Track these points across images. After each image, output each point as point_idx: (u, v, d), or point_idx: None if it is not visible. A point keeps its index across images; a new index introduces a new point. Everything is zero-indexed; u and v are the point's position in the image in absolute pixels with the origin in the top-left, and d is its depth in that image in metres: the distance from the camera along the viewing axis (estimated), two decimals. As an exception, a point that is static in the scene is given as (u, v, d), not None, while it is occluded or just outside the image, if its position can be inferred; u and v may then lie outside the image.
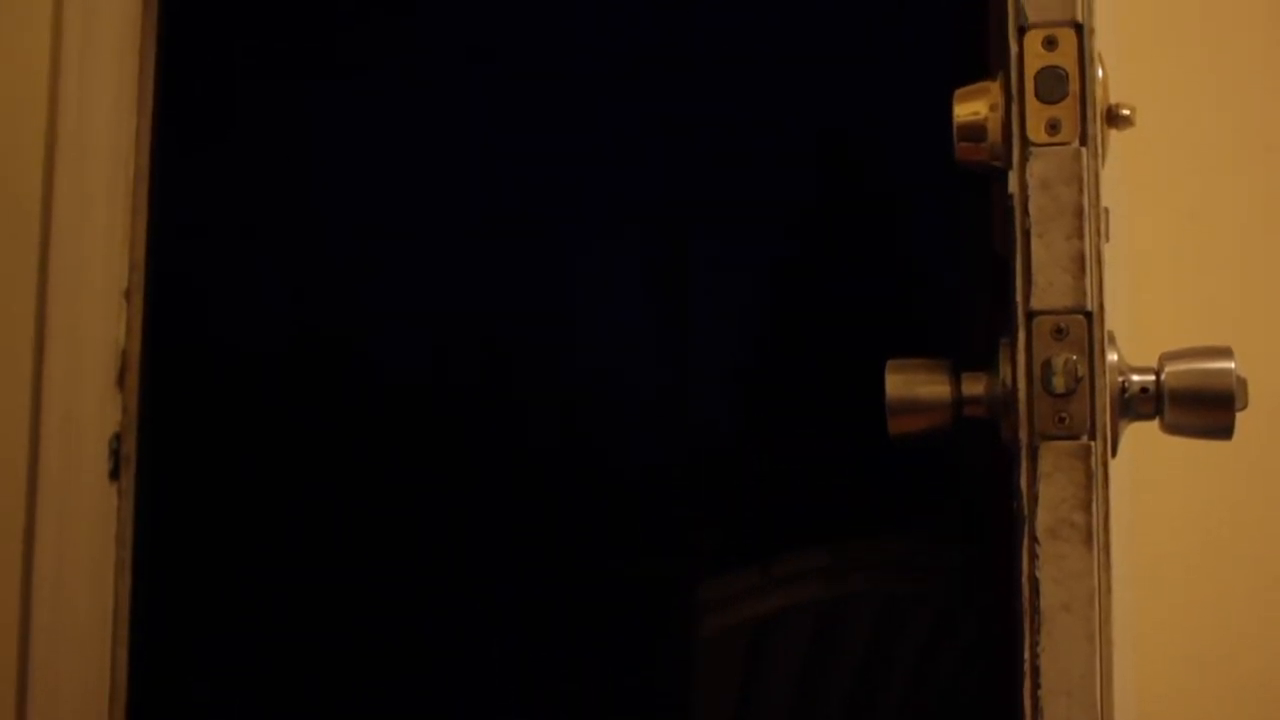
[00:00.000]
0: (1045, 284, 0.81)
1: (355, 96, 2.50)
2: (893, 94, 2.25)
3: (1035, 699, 0.79)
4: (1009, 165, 0.82)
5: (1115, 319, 0.83)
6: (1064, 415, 0.80)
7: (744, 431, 2.49)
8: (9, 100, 1.77)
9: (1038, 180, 0.81)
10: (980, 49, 0.98)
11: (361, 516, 2.37)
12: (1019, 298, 0.81)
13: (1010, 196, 0.82)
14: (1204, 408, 0.83)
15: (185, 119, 2.06)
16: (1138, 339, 1.02)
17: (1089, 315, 0.80)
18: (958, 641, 1.95)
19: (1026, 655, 0.80)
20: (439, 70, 2.53)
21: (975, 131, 0.84)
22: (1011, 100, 0.82)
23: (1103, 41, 0.84)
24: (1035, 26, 0.82)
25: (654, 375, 2.52)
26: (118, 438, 1.76)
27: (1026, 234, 0.81)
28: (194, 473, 2.24)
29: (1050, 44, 0.82)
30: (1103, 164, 0.83)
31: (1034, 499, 0.80)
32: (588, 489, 2.42)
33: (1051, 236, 0.81)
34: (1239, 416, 0.84)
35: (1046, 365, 0.80)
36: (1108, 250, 0.83)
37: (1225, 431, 0.83)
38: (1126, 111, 0.86)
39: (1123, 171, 1.53)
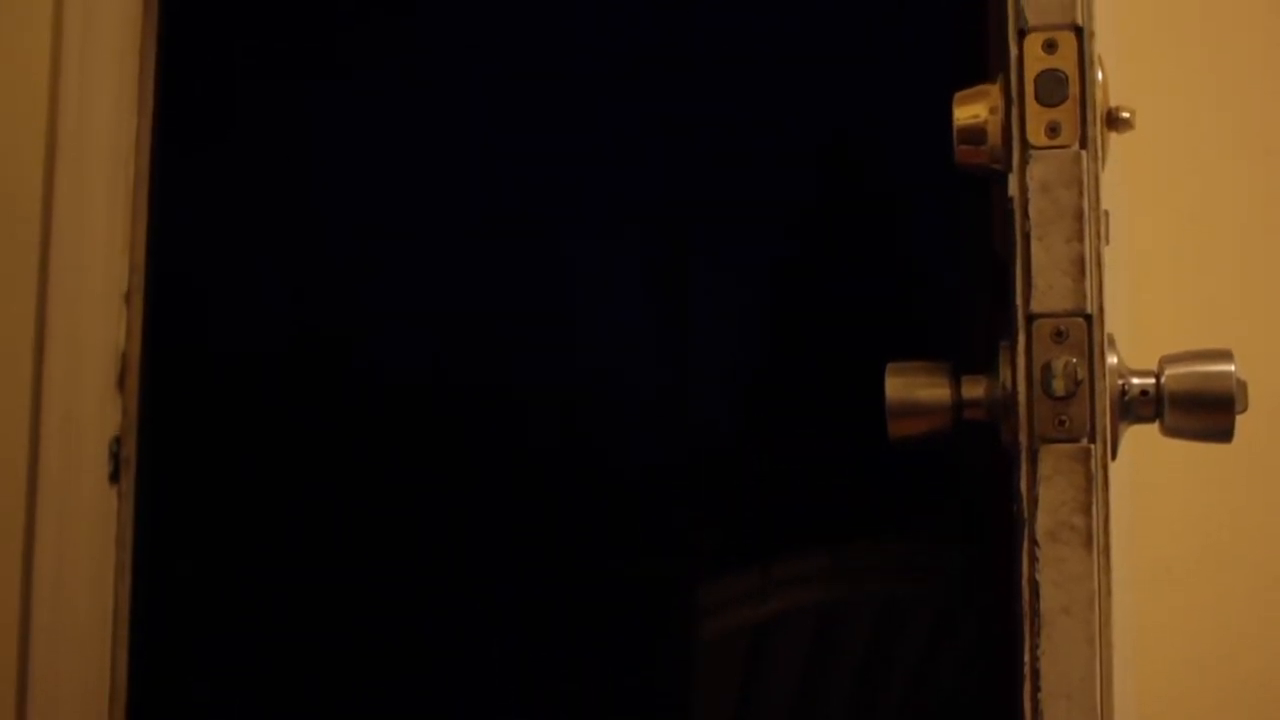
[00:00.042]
0: (1045, 287, 0.81)
1: (355, 96, 2.50)
2: (893, 94, 2.25)
3: (1035, 702, 0.79)
4: (1009, 168, 0.82)
5: (1115, 322, 0.83)
6: (1064, 418, 0.80)
7: (744, 432, 2.49)
8: (9, 101, 1.77)
9: (1038, 183, 0.81)
10: (980, 51, 0.98)
11: (361, 517, 2.37)
12: (1019, 301, 0.81)
13: (1010, 199, 0.82)
14: (1204, 411, 0.83)
15: (185, 119, 2.06)
16: (1138, 341, 1.02)
17: (1089, 318, 0.80)
18: (958, 643, 1.95)
19: (1026, 658, 0.80)
20: (439, 70, 2.53)
21: (975, 134, 0.84)
22: (1011, 103, 0.82)
23: (1102, 44, 0.84)
24: (1035, 29, 0.82)
25: (654, 375, 2.52)
26: (118, 440, 1.76)
27: (1026, 237, 0.81)
28: (194, 475, 2.24)
29: (1050, 47, 0.82)
30: (1103, 167, 0.83)
31: (1034, 502, 0.80)
32: (587, 489, 2.42)
33: (1051, 239, 0.81)
34: (1239, 419, 0.84)
35: (1046, 368, 0.80)
36: (1108, 253, 0.83)
37: (1225, 434, 0.84)
38: (1126, 114, 0.86)
39: (1123, 174, 1.53)
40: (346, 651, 2.34)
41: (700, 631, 2.06)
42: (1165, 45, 1.65)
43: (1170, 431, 0.84)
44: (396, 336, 2.47)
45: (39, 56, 1.77)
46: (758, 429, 2.48)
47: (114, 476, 1.76)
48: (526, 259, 2.53)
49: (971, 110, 0.85)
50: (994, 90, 0.84)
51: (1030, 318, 0.81)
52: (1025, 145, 0.82)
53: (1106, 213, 0.83)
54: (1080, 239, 0.81)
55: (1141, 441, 0.90)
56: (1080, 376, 0.80)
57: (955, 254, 2.03)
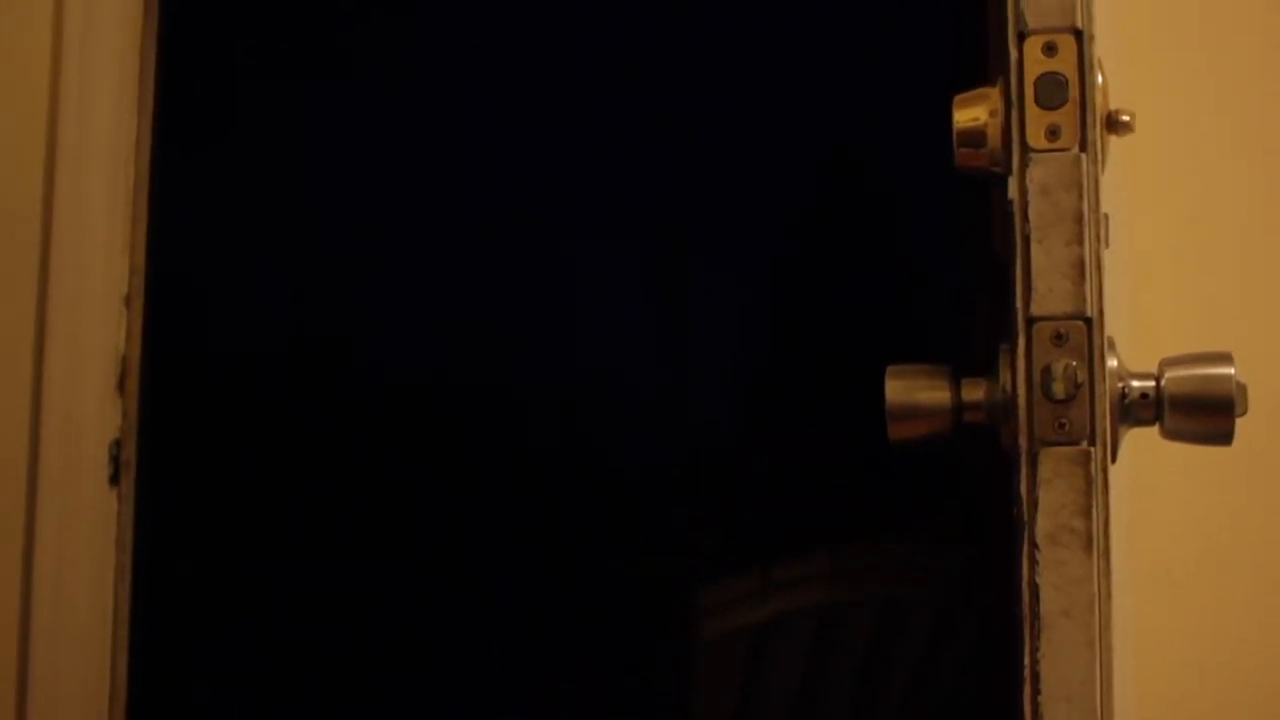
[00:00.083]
0: (1045, 290, 0.81)
1: (355, 96, 2.50)
2: (893, 94, 2.25)
3: (1035, 705, 0.79)
4: (1009, 171, 0.82)
5: (1115, 324, 0.83)
6: (1064, 421, 0.80)
7: (744, 432, 2.49)
8: (9, 102, 1.77)
9: (1038, 186, 0.81)
10: (980, 54, 0.98)
11: (361, 518, 2.37)
12: (1019, 304, 0.81)
13: (1010, 202, 0.82)
14: (1204, 413, 0.84)
15: (185, 120, 2.06)
16: (1138, 344, 1.02)
17: (1089, 321, 0.80)
18: (958, 645, 1.95)
19: (1026, 661, 0.80)
20: (439, 70, 2.53)
21: (975, 137, 0.84)
22: (1011, 106, 0.82)
23: (1102, 46, 0.84)
24: (1035, 32, 0.82)
25: (654, 375, 2.52)
26: (118, 443, 1.76)
27: (1026, 240, 0.81)
28: (194, 477, 2.24)
29: (1050, 50, 0.82)
30: (1103, 170, 0.83)
31: (1034, 505, 0.80)
32: (587, 489, 2.42)
33: (1051, 242, 0.81)
34: (1239, 421, 0.84)
35: (1046, 371, 0.80)
36: (1107, 255, 0.83)
37: (1225, 437, 0.84)
38: (1126, 118, 0.86)
39: (1123, 176, 1.53)
40: (346, 652, 2.34)
41: (700, 632, 2.06)
42: (1165, 47, 1.65)
43: (1170, 434, 0.84)
44: (396, 337, 2.47)
45: (39, 57, 1.77)
46: (758, 429, 2.48)
47: (114, 479, 1.76)
48: (526, 259, 2.53)
49: (971, 113, 0.85)
50: (994, 93, 0.84)
51: (1030, 320, 0.81)
52: (1025, 148, 0.82)
53: (1106, 216, 0.83)
54: (1080, 242, 0.81)
55: (1141, 444, 0.90)
56: (1080, 379, 0.80)
57: (955, 254, 2.03)
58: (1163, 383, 0.84)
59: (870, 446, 1.02)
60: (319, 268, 2.47)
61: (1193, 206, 1.61)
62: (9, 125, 1.77)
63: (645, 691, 2.28)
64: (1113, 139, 0.87)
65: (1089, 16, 0.82)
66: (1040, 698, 0.79)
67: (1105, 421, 0.80)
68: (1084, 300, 0.81)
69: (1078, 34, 0.82)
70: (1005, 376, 0.83)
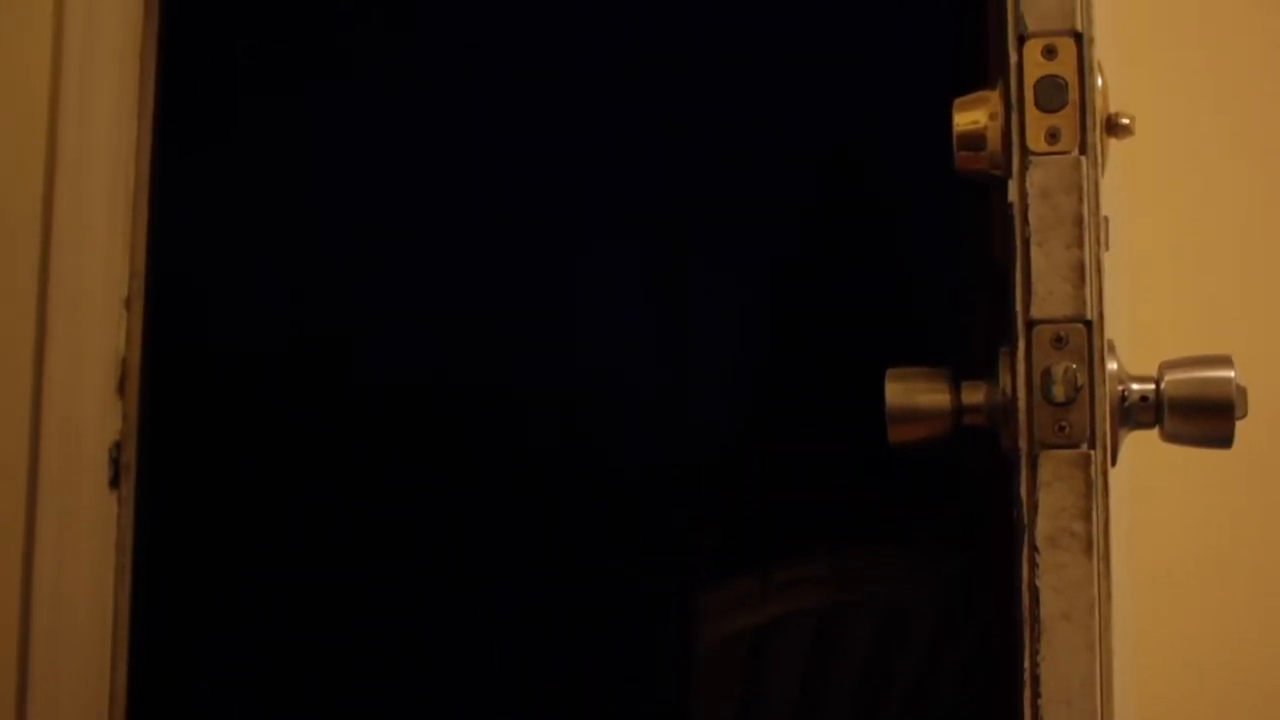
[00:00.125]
0: (1045, 293, 0.81)
1: (355, 97, 2.50)
2: (893, 94, 2.25)
3: (1035, 708, 0.79)
4: (1009, 174, 0.82)
5: (1115, 327, 0.83)
6: (1064, 424, 0.80)
7: (744, 432, 2.49)
8: (9, 105, 1.77)
9: (1037, 189, 0.81)
10: (980, 56, 0.98)
11: (361, 521, 2.37)
12: (1019, 306, 0.81)
13: (1010, 205, 0.82)
14: (1204, 416, 0.84)
15: (185, 122, 2.06)
16: (1137, 347, 1.02)
17: (1089, 324, 0.81)
18: (958, 650, 1.95)
19: (1026, 664, 0.80)
20: (439, 70, 2.53)
21: (975, 140, 0.84)
22: (1011, 109, 0.82)
23: (1102, 48, 0.84)
24: (1035, 35, 0.82)
25: (654, 375, 2.52)
26: (118, 446, 1.76)
27: (1026, 243, 0.81)
28: (194, 480, 2.24)
29: (1050, 53, 0.82)
30: (1102, 173, 0.83)
31: (1034, 508, 0.80)
32: (587, 489, 2.42)
33: (1051, 245, 0.81)
34: (1239, 424, 0.84)
35: (1046, 374, 0.80)
36: (1107, 258, 0.83)
37: (1225, 440, 0.84)
38: (1126, 120, 0.86)
39: (1123, 178, 1.53)
40: (345, 656, 2.34)
41: (700, 635, 2.06)
42: (1165, 48, 1.65)
43: (1170, 437, 0.85)
44: (396, 337, 2.47)
45: (39, 59, 1.77)
46: (757, 430, 2.48)
47: (114, 482, 1.76)
48: (526, 259, 2.53)
49: (971, 116, 0.85)
50: (994, 96, 0.84)
51: (1030, 323, 0.81)
52: (1025, 151, 0.82)
53: (1106, 218, 0.83)
54: (1080, 245, 0.81)
55: (1141, 446, 0.90)
56: (1080, 382, 0.80)
57: (955, 255, 2.02)
58: (1162, 386, 0.84)
59: (870, 448, 1.02)
60: (319, 269, 2.47)
61: (1193, 209, 1.61)
62: (9, 127, 1.77)
63: (645, 694, 2.28)
64: (1112, 141, 0.87)
65: (1089, 19, 0.82)
66: (1040, 701, 0.79)
67: (1105, 424, 0.80)
68: (1084, 303, 0.81)
69: (1078, 37, 0.82)
70: (1005, 379, 0.83)
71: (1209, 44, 1.67)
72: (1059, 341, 0.81)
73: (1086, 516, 0.80)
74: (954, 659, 1.95)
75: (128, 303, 1.77)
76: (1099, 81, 0.83)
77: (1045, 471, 0.80)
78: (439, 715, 2.38)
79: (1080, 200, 0.81)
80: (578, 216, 2.55)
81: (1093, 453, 0.80)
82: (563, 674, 2.33)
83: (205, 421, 2.29)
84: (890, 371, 0.87)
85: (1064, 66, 0.82)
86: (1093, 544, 0.79)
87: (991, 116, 0.84)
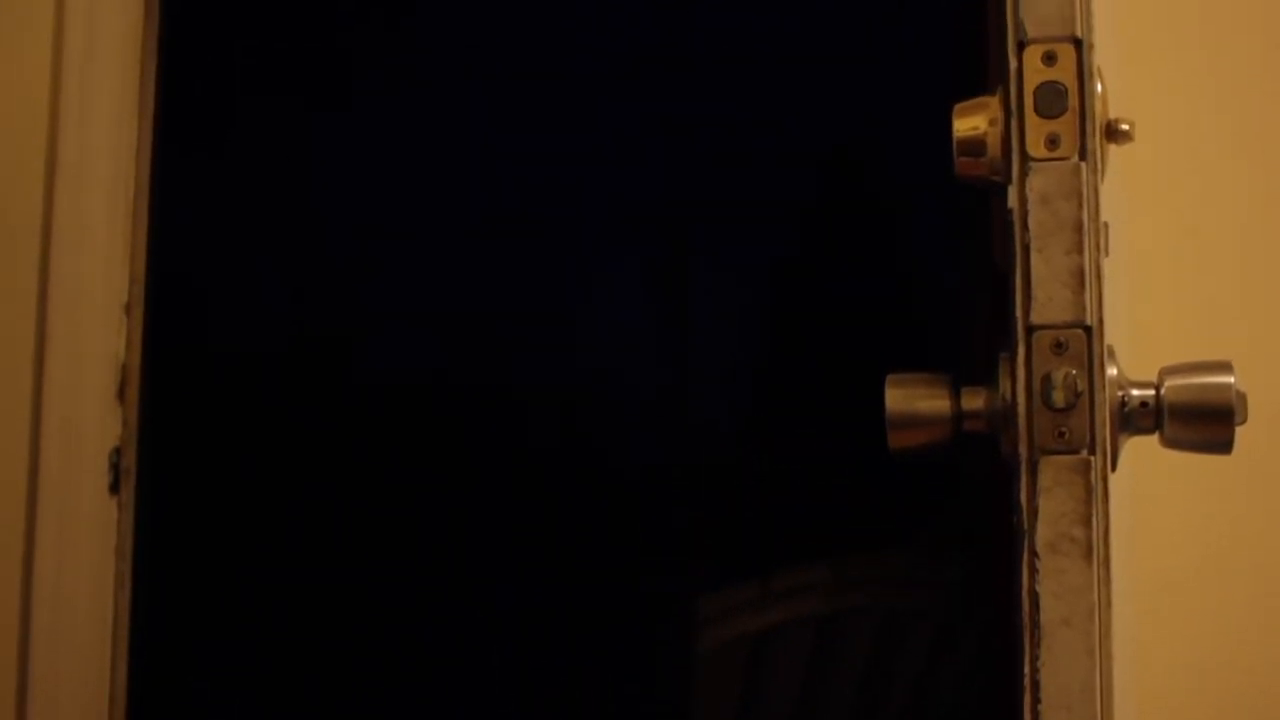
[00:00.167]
0: (1045, 299, 0.81)
1: (355, 98, 2.50)
2: (893, 95, 2.25)
3: (1035, 714, 0.79)
4: (1008, 180, 0.82)
5: (1115, 333, 0.83)
6: (1064, 430, 0.80)
7: (744, 433, 2.49)
8: (10, 110, 1.77)
9: (1037, 195, 0.81)
10: (979, 61, 0.98)
11: (360, 525, 2.37)
12: (1019, 312, 0.81)
13: (1010, 211, 0.82)
14: (1204, 422, 0.83)
15: (185, 126, 2.06)
16: (1137, 353, 1.02)
17: (1089, 330, 0.80)
18: (958, 656, 1.95)
19: (1026, 670, 0.80)
20: (439, 70, 2.53)
21: (975, 146, 0.84)
22: (1011, 115, 0.82)
23: (1102, 54, 0.84)
24: (1035, 42, 0.82)
25: (654, 376, 2.52)
26: (118, 451, 1.76)
27: (1026, 249, 0.81)
28: (194, 485, 2.24)
29: (1050, 59, 0.82)
30: (1102, 178, 0.83)
31: (1034, 513, 0.80)
32: (587, 490, 2.42)
33: (1051, 251, 0.81)
34: (1239, 429, 0.84)
35: (1046, 380, 0.80)
36: (1107, 264, 0.83)
37: (1225, 446, 0.84)
38: (1126, 126, 0.86)
39: (1122, 183, 1.53)
40: (345, 658, 2.35)
41: (700, 640, 2.06)
42: (1165, 50, 1.65)
43: (1170, 443, 0.84)
44: (396, 338, 2.47)
45: (39, 64, 1.77)
46: (758, 431, 2.48)
47: (114, 487, 1.75)
48: (526, 259, 2.53)
49: (971, 122, 0.85)
50: (993, 102, 0.84)
51: (1030, 329, 0.81)
52: (1025, 157, 0.82)
53: (1106, 224, 0.83)
54: (1080, 251, 0.81)
55: (1141, 451, 0.90)
56: (1080, 388, 0.80)
57: (955, 255, 2.02)
58: (1162, 391, 0.84)
59: (870, 451, 1.02)
60: (319, 272, 2.47)
61: (1192, 214, 1.61)
62: (9, 132, 1.76)
63: (645, 699, 2.28)
64: (1112, 147, 0.87)
65: (1088, 26, 0.82)
66: (1040, 707, 0.79)
67: (1105, 430, 0.80)
68: (1084, 309, 0.80)
69: (1077, 43, 0.82)
70: (1005, 385, 0.83)
71: (1209, 44, 1.67)
72: (1059, 347, 0.81)
73: (1086, 522, 0.80)
74: (954, 665, 1.95)
75: (128, 308, 1.77)
76: (1099, 87, 0.82)
77: (1045, 477, 0.80)
78: (437, 717, 2.38)
79: (1080, 206, 0.81)
80: (578, 217, 2.55)
81: (1093, 458, 0.80)
82: (562, 677, 2.33)
83: (205, 426, 2.29)
84: (890, 377, 0.87)
85: (1064, 72, 0.82)
86: (1093, 549, 0.79)
87: (991, 122, 0.84)
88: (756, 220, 2.49)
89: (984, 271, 1.00)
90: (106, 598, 1.74)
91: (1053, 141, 0.81)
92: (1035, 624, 0.79)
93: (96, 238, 1.75)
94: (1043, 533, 0.80)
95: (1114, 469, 0.82)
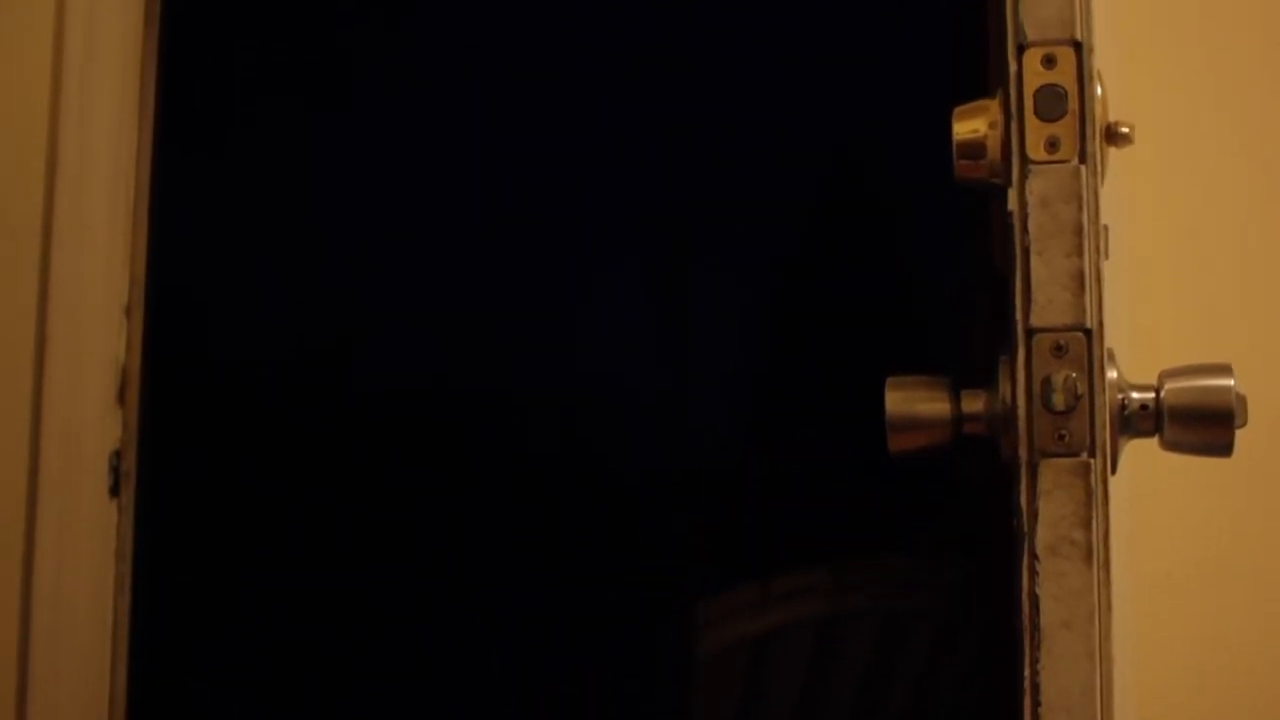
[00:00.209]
0: (1045, 301, 0.81)
1: (356, 99, 2.50)
2: (893, 95, 2.25)
3: (1035, 717, 0.79)
4: (1008, 183, 0.82)
5: (1115, 336, 0.83)
6: (1064, 432, 0.80)
7: (745, 435, 2.49)
8: (10, 114, 1.77)
9: (1037, 198, 0.81)
10: (979, 63, 0.98)
11: (361, 527, 2.36)
12: (1019, 315, 0.81)
13: (1010, 214, 0.82)
14: (1203, 425, 0.83)
15: (185, 129, 2.06)
16: (1137, 354, 1.02)
17: (1088, 333, 0.80)
18: (958, 659, 1.95)
19: (1026, 673, 0.80)
20: (439, 70, 2.53)
21: (975, 149, 0.84)
22: (1011, 118, 0.82)
23: (1102, 55, 0.84)
24: (1034, 45, 0.82)
25: (654, 376, 2.52)
26: (118, 454, 1.76)
27: (1026, 251, 0.81)
28: (194, 488, 2.23)
29: (1049, 62, 0.82)
30: (1102, 181, 0.83)
31: (1034, 516, 0.80)
32: (587, 492, 2.42)
33: (1051, 254, 0.81)
34: (1238, 432, 0.84)
35: (1046, 383, 0.80)
36: (1107, 267, 0.83)
37: (1225, 449, 0.84)
38: (1126, 129, 0.86)
39: (1122, 186, 1.53)
40: (345, 661, 2.35)
41: (700, 643, 2.06)
42: (1165, 51, 1.65)
43: (1170, 446, 0.84)
44: (396, 340, 2.47)
45: (40, 67, 1.77)
46: (758, 433, 2.48)
47: (114, 490, 1.76)
48: (526, 259, 2.53)
49: (971, 125, 0.85)
50: (993, 105, 0.84)
51: (1030, 332, 0.81)
52: (1025, 160, 0.82)
53: (1106, 227, 0.83)
54: (1080, 254, 0.81)
55: (1141, 452, 0.90)
56: (1080, 391, 0.80)
57: (956, 256, 2.02)
58: (1162, 394, 0.84)
59: (871, 453, 1.02)
60: (320, 274, 2.47)
61: (1192, 217, 1.61)
62: (9, 133, 1.76)
63: (645, 701, 2.28)
64: (1112, 150, 0.87)
65: (1088, 29, 0.82)
66: (1040, 709, 0.79)
67: (1105, 433, 0.80)
68: (1084, 312, 0.80)
69: (1077, 46, 0.82)
70: (1005, 388, 0.83)
71: (1209, 45, 1.67)
72: (1059, 350, 0.81)
73: (1086, 525, 0.80)
74: (954, 667, 1.95)
75: (128, 310, 1.77)
76: (1098, 90, 0.82)
77: (1045, 480, 0.80)
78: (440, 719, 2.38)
79: (1080, 209, 0.81)
80: (578, 217, 2.55)
81: (1092, 461, 0.80)
82: (562, 679, 2.33)
83: (205, 429, 2.29)
84: (890, 380, 0.87)
85: (1064, 75, 0.82)
86: (1093, 552, 0.79)
87: (991, 125, 0.84)
88: (757, 221, 2.49)
89: (984, 274, 1.00)
90: (106, 600, 1.75)
91: (1052, 144, 0.81)
92: (1035, 627, 0.79)
93: (97, 239, 1.75)
94: (1043, 535, 0.80)
95: (1114, 472, 0.82)
